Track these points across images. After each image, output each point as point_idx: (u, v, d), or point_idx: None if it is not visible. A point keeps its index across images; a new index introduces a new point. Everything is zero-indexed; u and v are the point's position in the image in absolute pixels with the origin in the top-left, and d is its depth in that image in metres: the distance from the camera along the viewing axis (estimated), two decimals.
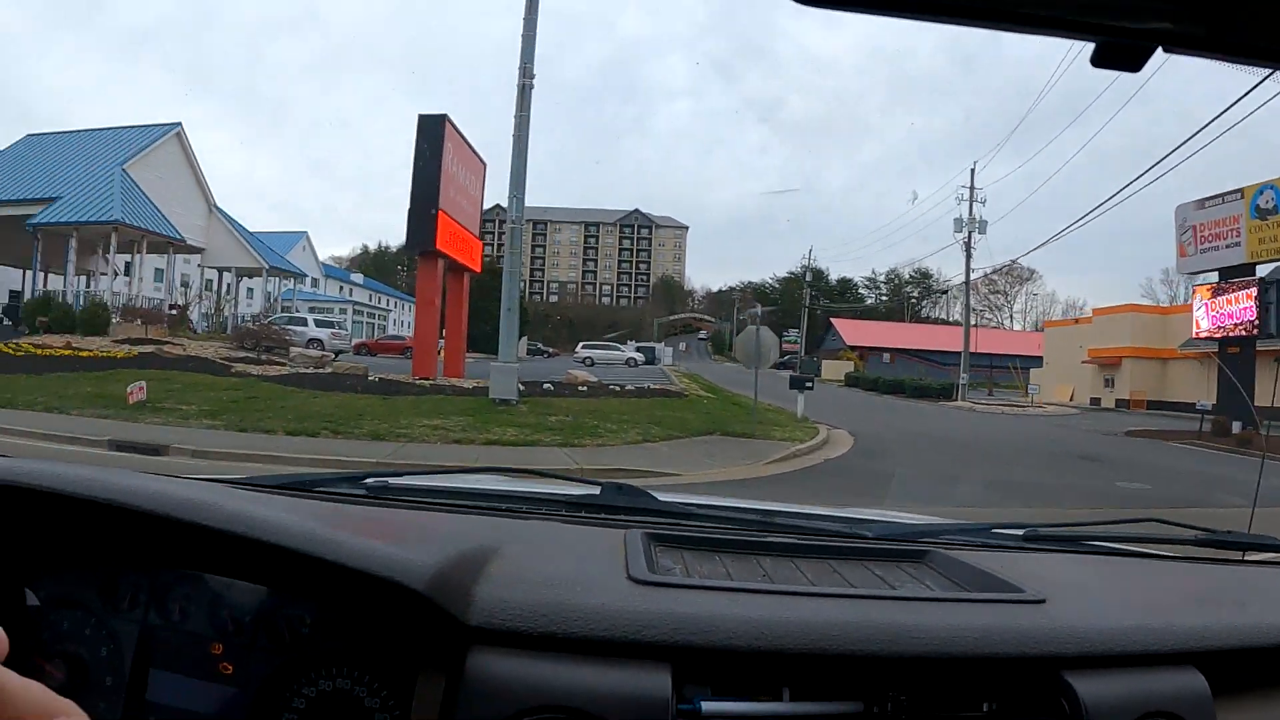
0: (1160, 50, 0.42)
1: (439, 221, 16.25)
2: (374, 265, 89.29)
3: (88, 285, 23.96)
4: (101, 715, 0.76)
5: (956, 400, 30.95)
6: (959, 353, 35.14)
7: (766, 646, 0.73)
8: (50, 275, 24.42)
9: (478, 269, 20.14)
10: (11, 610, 0.79)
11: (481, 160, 20.05)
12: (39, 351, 16.13)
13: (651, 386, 18.03)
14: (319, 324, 27.44)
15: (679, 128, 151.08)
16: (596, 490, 1.29)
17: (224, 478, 1.17)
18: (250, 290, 33.81)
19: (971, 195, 34.23)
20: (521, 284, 14.93)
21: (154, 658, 0.79)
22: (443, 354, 18.44)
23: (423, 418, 11.73)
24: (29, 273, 25.51)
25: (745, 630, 0.73)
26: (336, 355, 19.58)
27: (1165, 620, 0.85)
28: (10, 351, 16.01)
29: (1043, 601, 0.86)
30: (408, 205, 16.43)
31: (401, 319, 66.70)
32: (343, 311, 44.64)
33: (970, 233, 34.25)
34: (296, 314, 28.92)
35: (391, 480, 1.27)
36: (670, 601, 0.77)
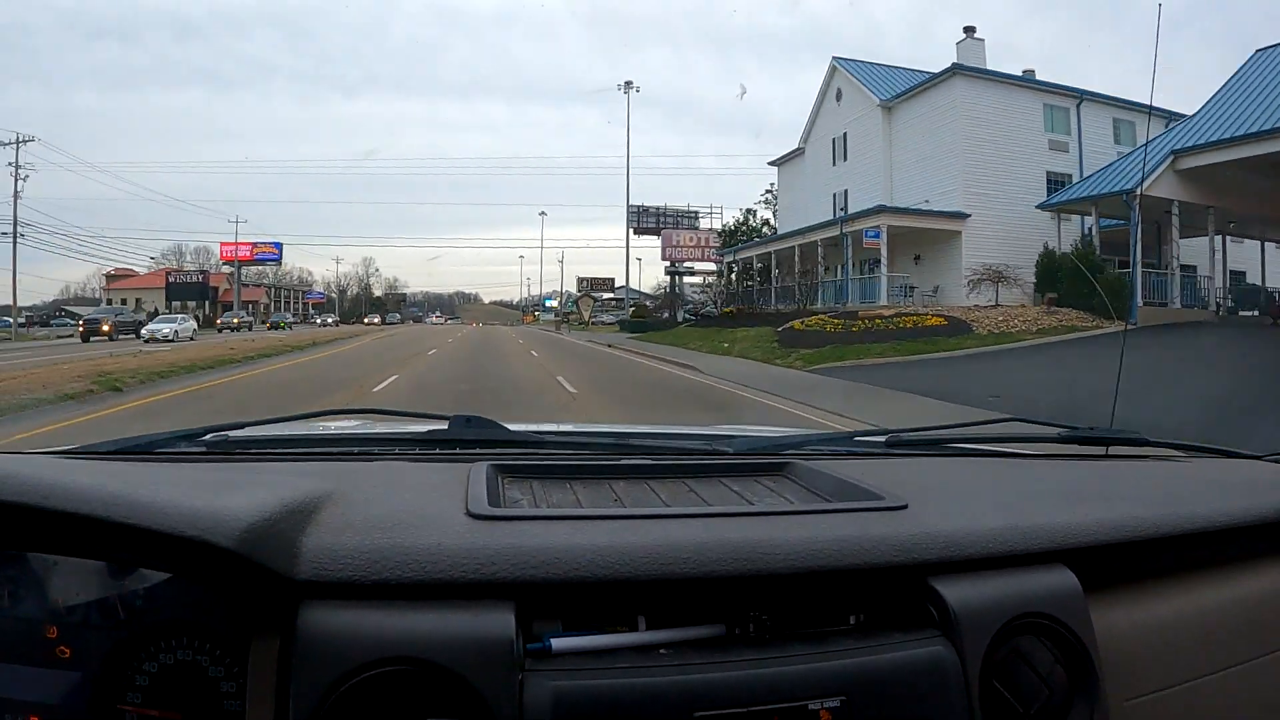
0: None
1: None
2: None
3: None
4: None
5: None
6: None
7: (615, 575, 0.71)
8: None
9: None
10: None
11: None
12: None
13: None
14: None
15: None
16: (445, 425, 1.22)
17: (55, 449, 1.07)
18: None
19: None
20: None
21: None
22: None
23: None
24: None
25: (591, 560, 0.71)
26: None
27: (1032, 519, 0.84)
28: None
29: (904, 507, 0.85)
30: None
31: None
32: None
33: None
34: None
35: (232, 433, 1.19)
36: (512, 535, 0.75)
